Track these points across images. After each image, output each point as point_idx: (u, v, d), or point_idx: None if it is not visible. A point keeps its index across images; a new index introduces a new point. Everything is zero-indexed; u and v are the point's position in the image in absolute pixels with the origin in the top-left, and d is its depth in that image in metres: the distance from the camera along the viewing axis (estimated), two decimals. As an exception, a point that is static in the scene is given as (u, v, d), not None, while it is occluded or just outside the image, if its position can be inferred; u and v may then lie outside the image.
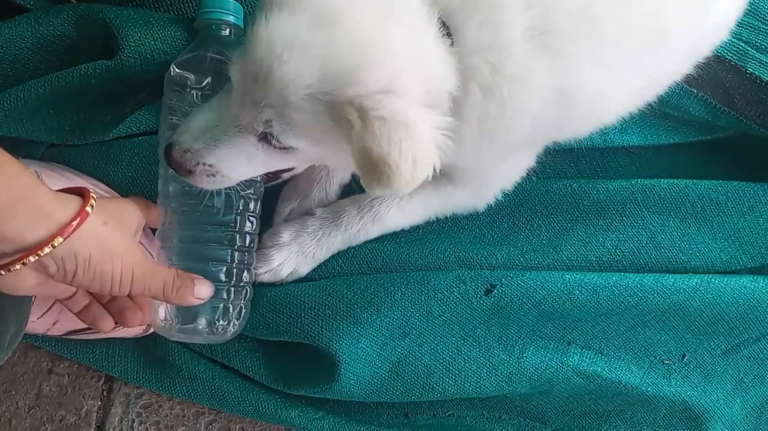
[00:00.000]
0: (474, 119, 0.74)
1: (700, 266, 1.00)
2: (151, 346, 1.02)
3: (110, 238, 0.72)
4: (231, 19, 0.91)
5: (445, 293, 0.94)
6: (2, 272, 0.67)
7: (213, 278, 0.86)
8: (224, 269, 0.89)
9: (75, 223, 0.67)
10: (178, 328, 0.89)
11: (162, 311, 0.89)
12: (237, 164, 0.77)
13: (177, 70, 0.89)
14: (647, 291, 0.95)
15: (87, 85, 0.93)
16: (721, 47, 0.93)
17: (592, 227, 1.01)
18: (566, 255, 1.00)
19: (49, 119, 0.96)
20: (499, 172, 0.95)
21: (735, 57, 0.96)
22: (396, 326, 0.96)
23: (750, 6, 0.90)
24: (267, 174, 0.85)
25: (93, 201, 0.70)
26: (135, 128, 0.97)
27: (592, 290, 0.95)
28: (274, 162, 0.78)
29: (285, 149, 0.73)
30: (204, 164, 0.76)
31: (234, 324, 0.91)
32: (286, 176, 0.90)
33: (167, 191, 0.90)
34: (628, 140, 1.02)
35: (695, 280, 0.96)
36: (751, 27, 0.97)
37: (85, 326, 0.96)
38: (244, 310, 0.92)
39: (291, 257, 0.96)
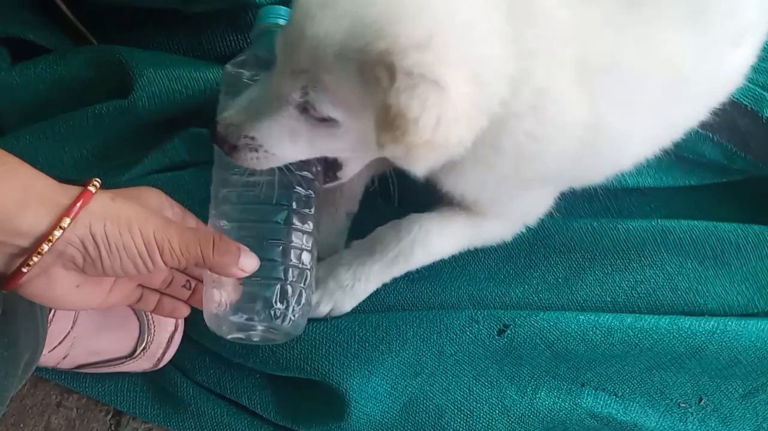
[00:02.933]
0: (513, 130, 0.76)
1: (716, 309, 1.04)
2: (159, 381, 1.07)
3: (121, 210, 0.70)
4: (282, 22, 0.94)
5: (458, 332, 0.99)
6: (24, 270, 0.67)
7: (267, 256, 0.85)
8: (280, 247, 0.88)
9: (79, 203, 0.67)
10: (232, 316, 0.86)
11: (216, 294, 0.86)
12: (280, 138, 0.77)
13: (231, 69, 0.93)
14: (663, 334, 1.00)
15: (101, 125, 1.00)
16: (737, 92, 0.98)
17: (609, 267, 1.06)
18: (581, 295, 1.05)
19: (65, 158, 1.02)
20: (521, 203, 0.98)
21: (751, 102, 1.02)
22: (408, 365, 1.00)
23: (765, 52, 0.95)
24: (326, 174, 0.88)
25: (96, 183, 0.70)
26: (149, 169, 1.03)
27: (606, 331, 0.99)
28: (318, 141, 0.77)
29: (324, 120, 0.73)
30: (246, 137, 0.77)
31: (294, 310, 0.88)
32: (342, 175, 0.89)
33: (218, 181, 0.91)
34: (644, 181, 1.08)
35: (712, 323, 1.01)
36: (767, 72, 1.02)
37: (94, 360, 1.02)
38: (305, 295, 0.89)
39: (326, 293, 0.99)
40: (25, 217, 0.65)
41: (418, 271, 1.03)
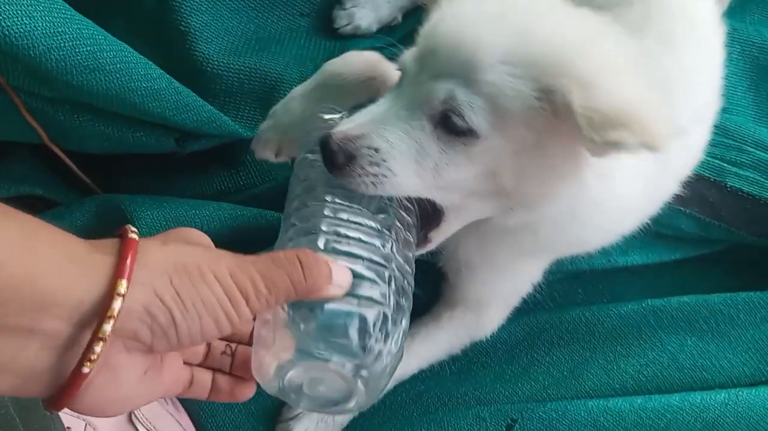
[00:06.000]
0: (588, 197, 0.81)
1: (726, 383, 1.06)
2: None
3: (184, 254, 0.54)
4: None
5: (466, 432, 1.01)
6: (85, 369, 0.49)
7: (365, 275, 0.65)
8: (382, 271, 0.67)
9: (129, 257, 0.50)
10: (315, 345, 0.61)
11: (268, 357, 0.63)
12: (408, 154, 0.70)
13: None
14: (675, 412, 1.01)
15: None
16: (700, 167, 1.06)
17: (611, 354, 1.09)
18: (589, 385, 1.07)
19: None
20: (503, 283, 1.03)
21: (714, 174, 1.10)
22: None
23: (718, 127, 1.05)
24: (423, 229, 0.78)
25: (133, 229, 0.54)
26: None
27: (617, 415, 1.00)
28: (446, 165, 0.71)
29: (461, 135, 0.69)
30: (370, 148, 0.70)
31: (391, 349, 0.64)
32: (437, 235, 0.80)
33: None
34: (631, 260, 1.14)
35: (722, 395, 1.02)
36: (723, 145, 1.12)
37: None
38: (402, 340, 0.66)
39: (311, 426, 1.02)
40: (55, 285, 0.48)
41: (422, 380, 1.07)
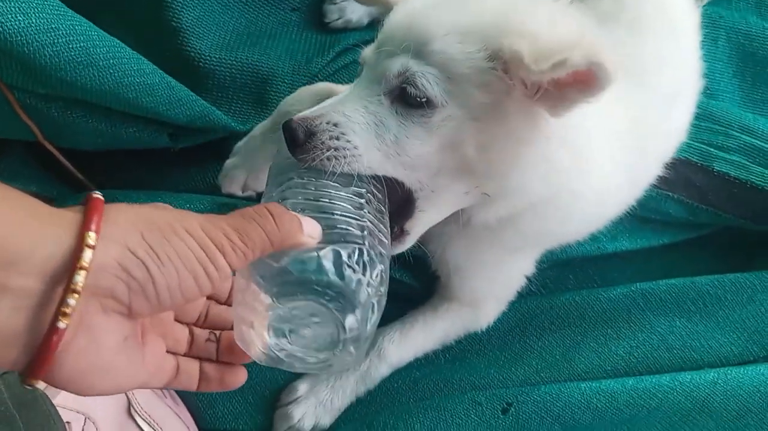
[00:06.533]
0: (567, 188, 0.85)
1: (715, 362, 1.08)
2: None
3: (153, 213, 0.54)
4: None
5: (463, 417, 1.02)
6: (60, 325, 0.48)
7: (337, 226, 0.67)
8: (354, 223, 0.68)
9: (95, 214, 0.50)
10: (291, 278, 0.61)
11: (251, 333, 0.64)
12: (366, 128, 0.73)
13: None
14: (666, 391, 1.03)
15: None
16: (687, 151, 1.09)
17: (602, 338, 1.11)
18: (581, 368, 1.09)
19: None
20: (494, 280, 1.05)
21: (701, 159, 1.13)
22: (420, 455, 1.02)
23: (704, 112, 1.07)
24: (394, 224, 0.78)
25: (98, 192, 0.54)
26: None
27: (609, 396, 1.02)
28: (405, 139, 0.73)
29: (422, 106, 0.72)
30: (329, 123, 0.73)
31: (371, 281, 0.64)
32: (412, 228, 0.81)
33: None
34: (620, 245, 1.16)
35: (712, 374, 1.04)
36: (710, 130, 1.14)
37: None
38: (383, 275, 0.67)
39: (309, 409, 1.03)
40: (21, 239, 0.48)
41: (418, 368, 1.09)
